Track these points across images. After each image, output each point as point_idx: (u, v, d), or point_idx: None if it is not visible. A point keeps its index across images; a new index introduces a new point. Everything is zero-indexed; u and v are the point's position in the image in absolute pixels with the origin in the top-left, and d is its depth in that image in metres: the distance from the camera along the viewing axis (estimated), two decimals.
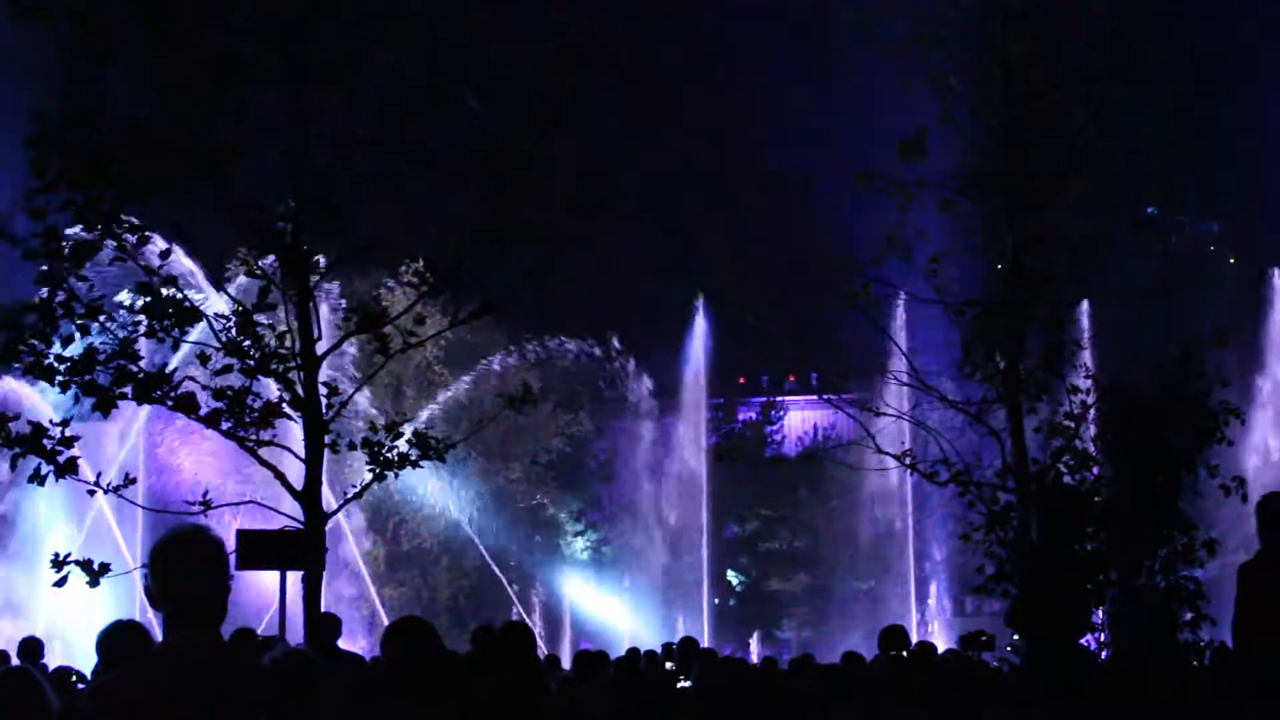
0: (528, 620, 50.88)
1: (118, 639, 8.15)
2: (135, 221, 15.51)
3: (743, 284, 50.76)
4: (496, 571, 52.44)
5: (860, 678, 14.72)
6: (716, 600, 58.76)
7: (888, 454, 21.01)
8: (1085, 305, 26.31)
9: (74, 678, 14.67)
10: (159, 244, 16.50)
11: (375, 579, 51.91)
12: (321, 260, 16.53)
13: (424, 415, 47.64)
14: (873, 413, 21.06)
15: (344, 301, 24.42)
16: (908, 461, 21.66)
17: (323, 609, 15.73)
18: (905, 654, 15.99)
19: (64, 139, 15.03)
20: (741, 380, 67.77)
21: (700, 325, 56.72)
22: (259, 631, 18.19)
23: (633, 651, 22.12)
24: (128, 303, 15.91)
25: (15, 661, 16.17)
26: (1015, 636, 16.07)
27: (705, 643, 41.67)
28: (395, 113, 16.38)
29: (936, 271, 19.74)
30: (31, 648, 15.91)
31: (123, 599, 35.10)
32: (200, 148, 15.36)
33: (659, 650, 23.23)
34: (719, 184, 59.42)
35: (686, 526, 56.93)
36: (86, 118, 15.12)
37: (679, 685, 16.55)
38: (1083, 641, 12.06)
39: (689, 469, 56.86)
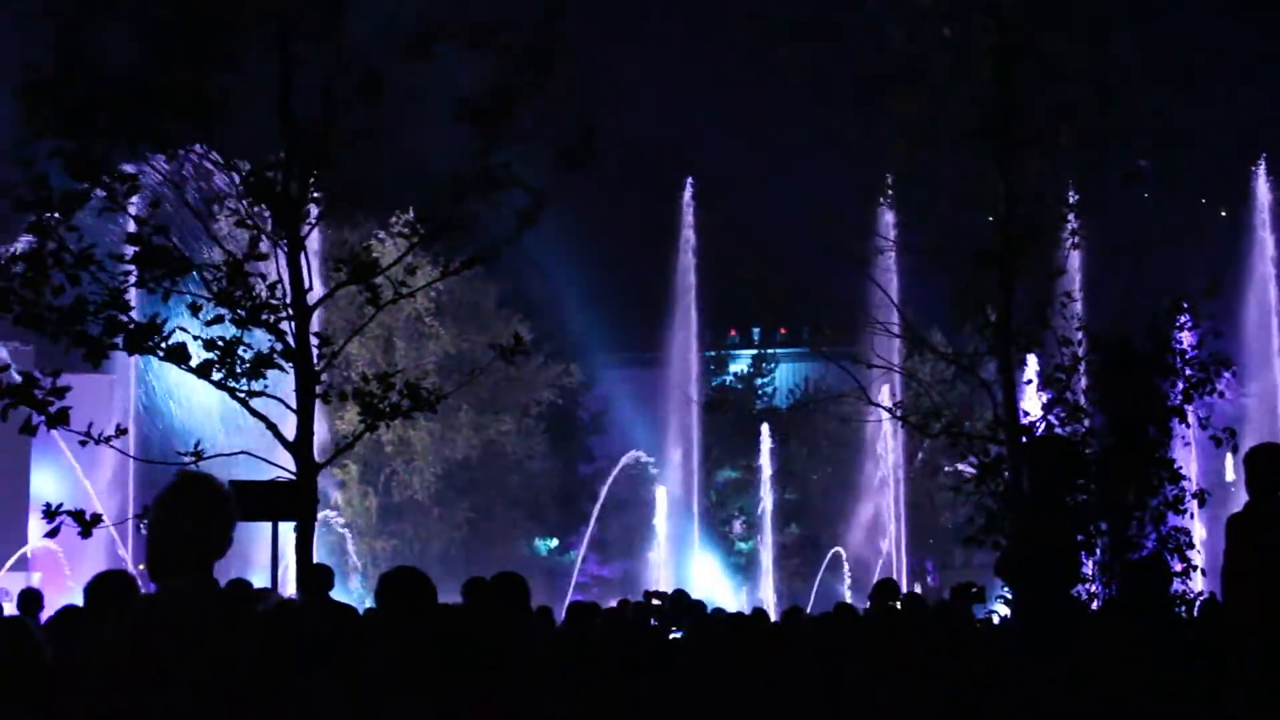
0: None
1: (105, 589, 8.16)
2: (126, 170, 15.47)
3: (733, 235, 50.73)
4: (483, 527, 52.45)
5: (854, 628, 14.77)
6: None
7: (879, 405, 21.04)
8: (1076, 257, 26.31)
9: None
10: (149, 194, 16.45)
11: (367, 531, 52.04)
12: (312, 210, 16.49)
13: (415, 366, 47.62)
14: (864, 365, 21.07)
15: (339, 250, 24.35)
16: (899, 414, 21.70)
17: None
18: (897, 605, 16.05)
19: (54, 90, 14.98)
20: (733, 332, 67.81)
21: (690, 277, 56.66)
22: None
23: (623, 603, 22.17)
24: (118, 253, 15.86)
25: (13, 612, 16.19)
26: (1005, 588, 16.14)
27: (695, 594, 41.81)
28: (383, 61, 16.34)
29: (927, 222, 19.73)
30: (31, 599, 15.91)
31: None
32: (189, 97, 15.32)
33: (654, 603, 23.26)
34: (708, 134, 59.14)
35: (677, 479, 57.02)
36: (76, 67, 15.07)
37: (670, 636, 16.60)
38: (1073, 593, 12.10)
39: (680, 421, 56.92)
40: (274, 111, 16.10)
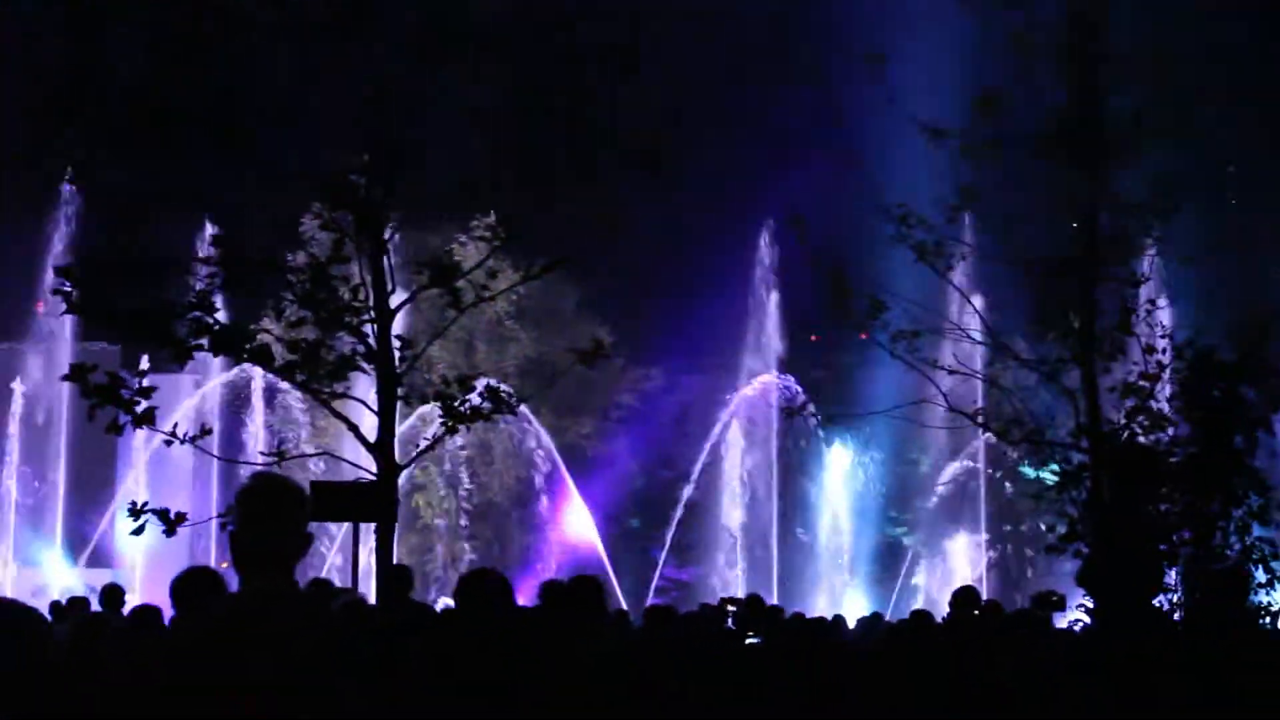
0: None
1: (191, 586, 8.27)
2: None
3: (813, 239, 50.56)
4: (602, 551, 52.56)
5: (930, 637, 14.70)
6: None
7: (961, 412, 20.93)
8: (1161, 264, 26.05)
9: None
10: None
11: (447, 532, 52.29)
12: (394, 215, 16.63)
13: (495, 369, 47.81)
14: (945, 371, 20.93)
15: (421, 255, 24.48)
16: (980, 421, 21.58)
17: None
18: (976, 613, 15.95)
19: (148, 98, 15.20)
20: (814, 338, 67.51)
21: (770, 279, 56.51)
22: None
23: (703, 607, 22.17)
24: (204, 256, 16.06)
25: (96, 607, 16.43)
26: (1086, 596, 16.01)
27: (773, 599, 41.71)
28: (461, 64, 16.45)
29: (1010, 229, 19.61)
30: (113, 595, 16.13)
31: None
32: (210, 105, 15.46)
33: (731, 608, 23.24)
34: (787, 135, 58.97)
35: (756, 483, 56.88)
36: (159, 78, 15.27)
37: (748, 642, 16.59)
38: (1155, 603, 11.99)
39: (759, 425, 56.77)
40: (357, 117, 16.25)
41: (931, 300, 22.62)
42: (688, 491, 56.84)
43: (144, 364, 15.25)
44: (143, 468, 45.11)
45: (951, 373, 20.79)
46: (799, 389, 60.71)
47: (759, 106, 59.07)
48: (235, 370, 44.45)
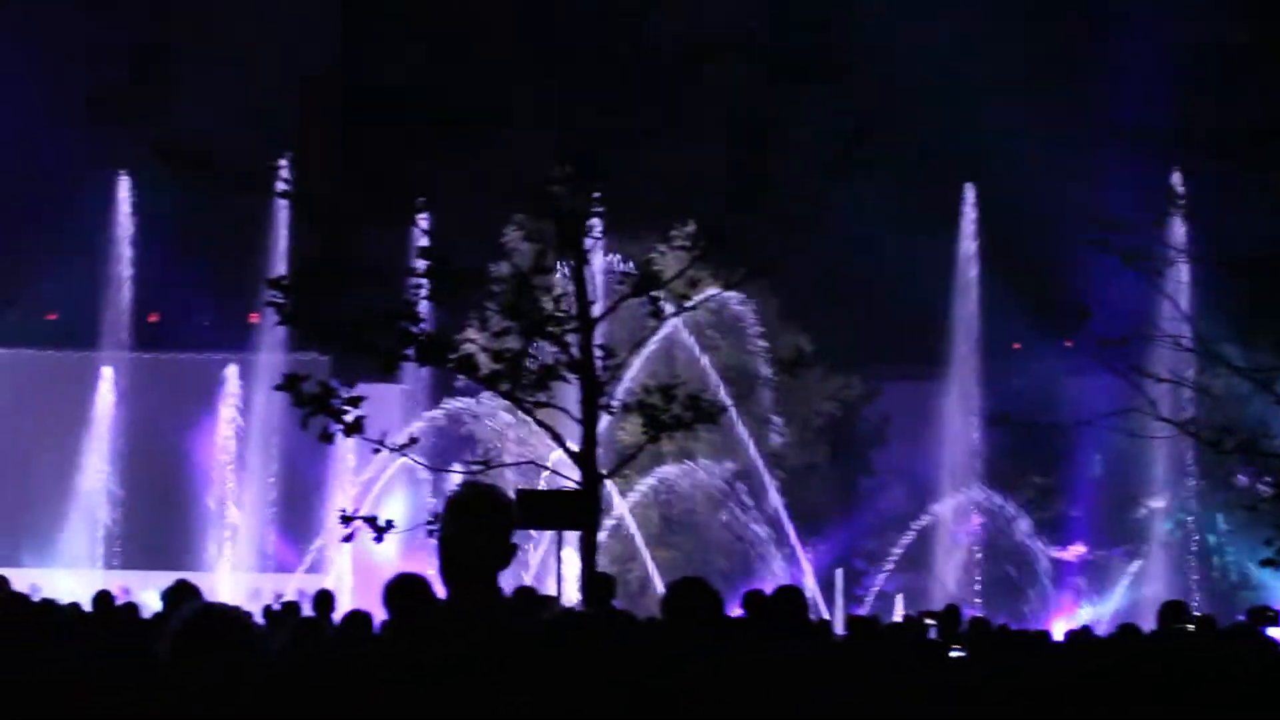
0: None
1: (401, 592, 8.39)
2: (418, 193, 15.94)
3: (1017, 244, 49.77)
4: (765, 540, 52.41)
5: (1139, 650, 14.38)
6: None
7: (1169, 421, 20.46)
8: None
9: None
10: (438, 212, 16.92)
11: (648, 541, 52.45)
12: (595, 224, 16.75)
13: (706, 376, 47.83)
14: (1153, 379, 20.48)
15: (623, 264, 24.65)
16: (1191, 429, 21.07)
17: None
18: (1189, 628, 15.57)
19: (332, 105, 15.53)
20: (1016, 346, 66.52)
21: (972, 287, 55.76)
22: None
23: (908, 619, 21.96)
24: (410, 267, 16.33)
25: (308, 613, 16.77)
26: None
27: (978, 610, 41.12)
28: (661, 78, 16.52)
29: (1218, 232, 19.15)
30: (324, 600, 16.45)
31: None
32: (471, 110, 15.73)
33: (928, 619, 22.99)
34: (989, 139, 58.14)
35: (958, 492, 56.18)
36: (361, 88, 15.59)
37: (950, 654, 16.37)
38: None
39: (962, 434, 56.07)
40: (560, 129, 16.41)
41: (1140, 306, 22.18)
42: (890, 502, 56.35)
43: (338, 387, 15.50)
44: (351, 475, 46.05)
45: (1161, 381, 20.34)
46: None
47: (954, 110, 58.35)
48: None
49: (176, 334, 55.18)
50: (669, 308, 16.97)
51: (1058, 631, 25.02)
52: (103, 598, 16.94)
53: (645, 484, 53.64)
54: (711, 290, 20.71)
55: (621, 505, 51.46)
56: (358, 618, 11.36)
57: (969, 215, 55.53)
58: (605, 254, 36.96)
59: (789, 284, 50.91)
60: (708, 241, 17.30)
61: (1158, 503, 56.26)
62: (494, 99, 16.09)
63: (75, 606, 14.58)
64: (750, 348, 52.95)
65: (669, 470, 52.90)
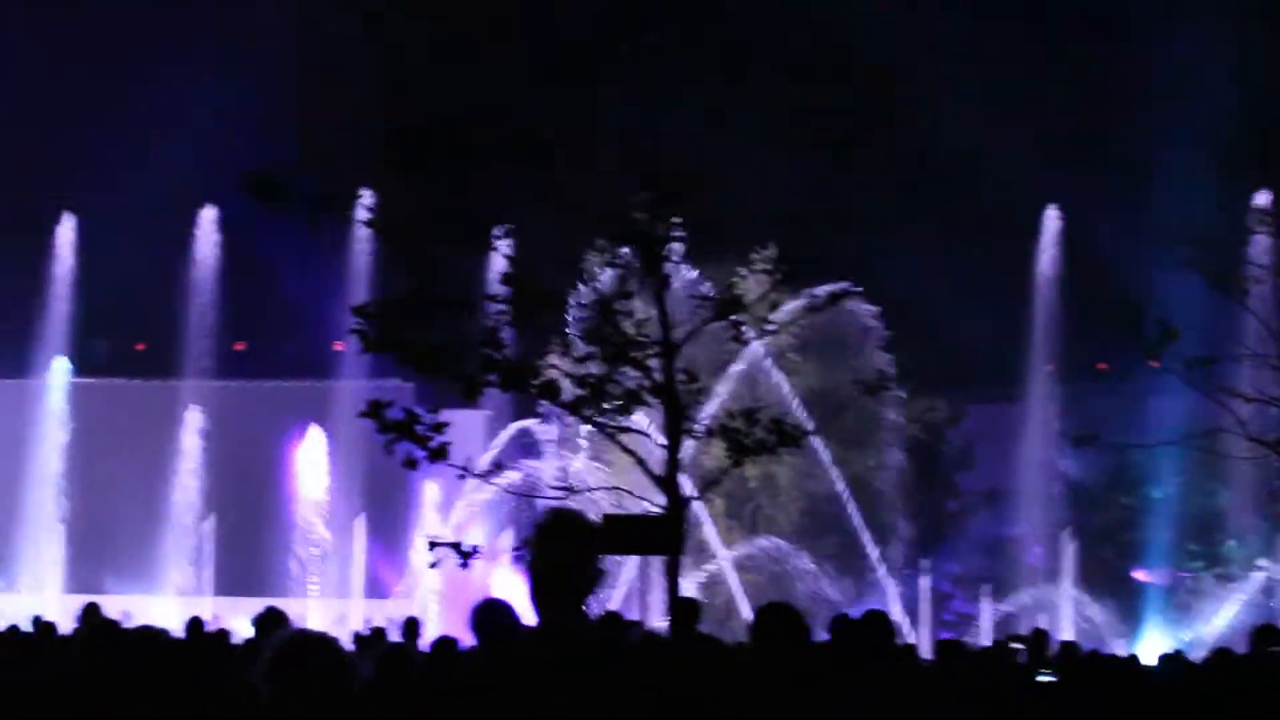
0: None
1: (488, 618, 8.43)
2: (500, 216, 16.05)
3: (1097, 264, 49.38)
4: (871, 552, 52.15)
5: (1237, 674, 14.18)
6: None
7: (1258, 440, 20.23)
8: None
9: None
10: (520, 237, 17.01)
11: (733, 565, 52.32)
12: (676, 249, 16.78)
13: (785, 401, 47.73)
14: (1241, 398, 20.26)
15: (704, 287, 24.69)
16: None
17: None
18: None
19: (417, 137, 15.65)
20: (1101, 366, 65.93)
21: (1052, 308, 55.34)
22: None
23: (998, 643, 21.80)
24: (492, 294, 16.43)
25: (395, 638, 16.85)
26: None
27: (1065, 634, 40.76)
28: (739, 104, 16.56)
29: None
30: (412, 626, 16.54)
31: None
32: (531, 140, 15.81)
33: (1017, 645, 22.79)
34: (1067, 160, 57.79)
35: (1039, 515, 55.70)
36: (445, 114, 15.71)
37: (1039, 679, 16.24)
38: None
39: (1046, 456, 55.61)
40: (640, 155, 16.46)
41: (1226, 325, 21.96)
42: (976, 524, 55.96)
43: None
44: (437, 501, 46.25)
45: (1249, 400, 20.12)
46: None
47: (1038, 132, 58.08)
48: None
49: (262, 362, 55.76)
50: (751, 331, 16.91)
51: (1149, 655, 24.76)
52: (194, 624, 17.11)
53: (728, 507, 53.56)
54: (793, 313, 20.67)
55: (709, 531, 51.41)
56: (445, 643, 11.42)
57: (1050, 235, 55.17)
58: (686, 278, 37.02)
59: (872, 306, 50.78)
60: (789, 265, 17.28)
61: (1245, 523, 55.57)
62: (575, 124, 16.17)
63: (167, 634, 14.73)
64: (833, 370, 52.78)
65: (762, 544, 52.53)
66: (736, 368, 47.50)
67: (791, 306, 19.86)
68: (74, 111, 58.56)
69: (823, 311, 20.37)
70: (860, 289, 47.25)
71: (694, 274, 39.41)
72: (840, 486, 54.07)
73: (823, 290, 17.75)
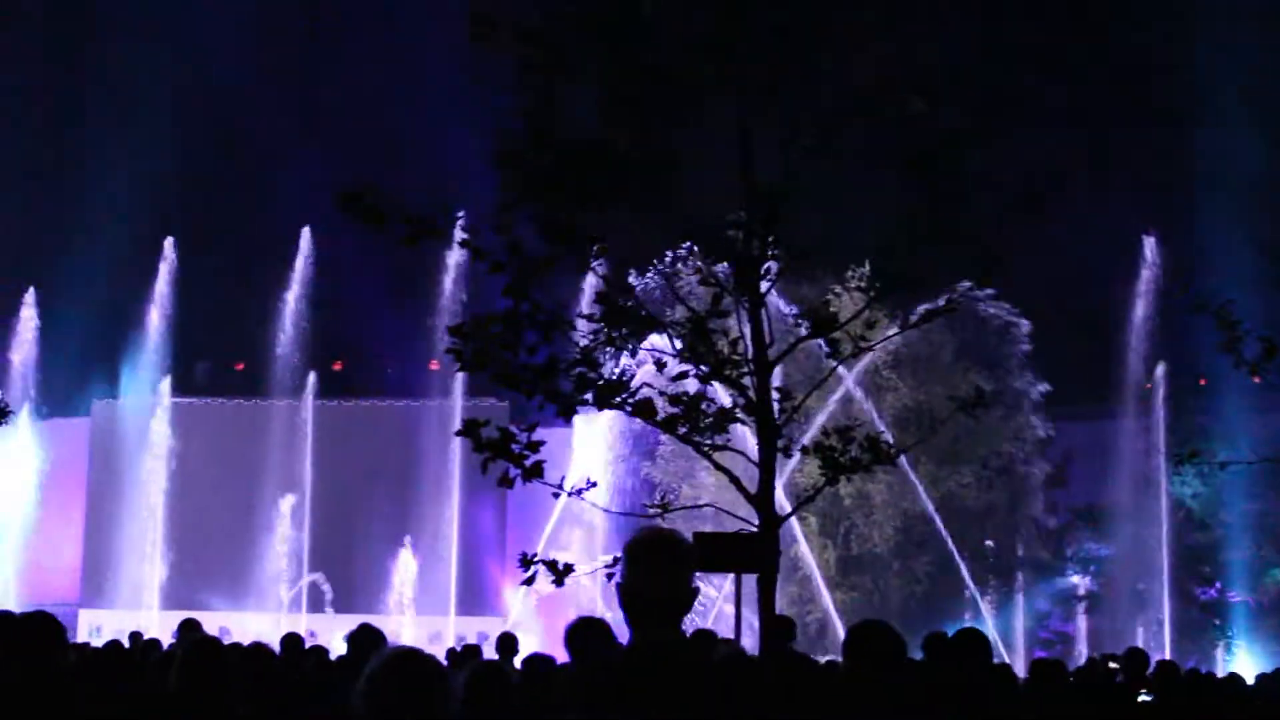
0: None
1: (583, 635, 8.48)
2: (593, 235, 16.12)
3: (1193, 281, 48.85)
4: (965, 574, 51.84)
5: None
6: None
7: None
8: None
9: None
10: (615, 256, 17.08)
11: (826, 583, 52.17)
12: (772, 267, 16.75)
13: (874, 419, 47.56)
14: None
15: (795, 307, 24.69)
16: None
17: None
18: None
19: (524, 157, 15.77)
20: (1202, 381, 65.10)
21: (1151, 319, 54.79)
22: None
23: (1091, 662, 21.58)
24: (587, 313, 16.49)
25: (490, 655, 16.94)
26: None
27: (1166, 654, 40.28)
28: (836, 119, 16.53)
29: None
30: (507, 643, 16.62)
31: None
32: (649, 160, 15.86)
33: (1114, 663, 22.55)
34: (1164, 176, 57.24)
35: (1140, 533, 55.07)
36: (544, 136, 15.81)
37: (1139, 699, 16.07)
38: None
39: (1146, 473, 55.02)
40: (733, 170, 16.46)
41: None
42: (1072, 542, 55.41)
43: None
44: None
45: None
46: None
47: (1131, 145, 57.60)
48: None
49: (359, 382, 56.29)
50: (846, 349, 16.86)
51: (1246, 674, 24.41)
52: (292, 641, 17.27)
53: (822, 525, 53.37)
54: (888, 331, 20.60)
55: (801, 548, 51.28)
56: (539, 660, 11.47)
57: (1148, 250, 54.66)
58: (781, 295, 37.00)
59: (969, 323, 50.49)
60: (884, 283, 17.20)
61: None
62: (671, 142, 16.22)
63: (265, 648, 14.88)
64: (929, 388, 52.53)
65: None
66: (831, 385, 47.31)
67: (886, 332, 19.77)
68: (183, 137, 59.35)
69: (919, 328, 20.23)
70: (996, 290, 47.26)
71: (789, 292, 39.48)
72: (934, 504, 53.77)
73: (921, 308, 17.60)
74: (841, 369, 38.08)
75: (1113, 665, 20.67)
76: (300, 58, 63.69)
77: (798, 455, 16.72)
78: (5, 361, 52.92)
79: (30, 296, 54.71)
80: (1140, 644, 37.78)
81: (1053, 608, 57.23)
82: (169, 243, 54.15)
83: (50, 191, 57.97)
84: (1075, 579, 57.18)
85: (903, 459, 20.36)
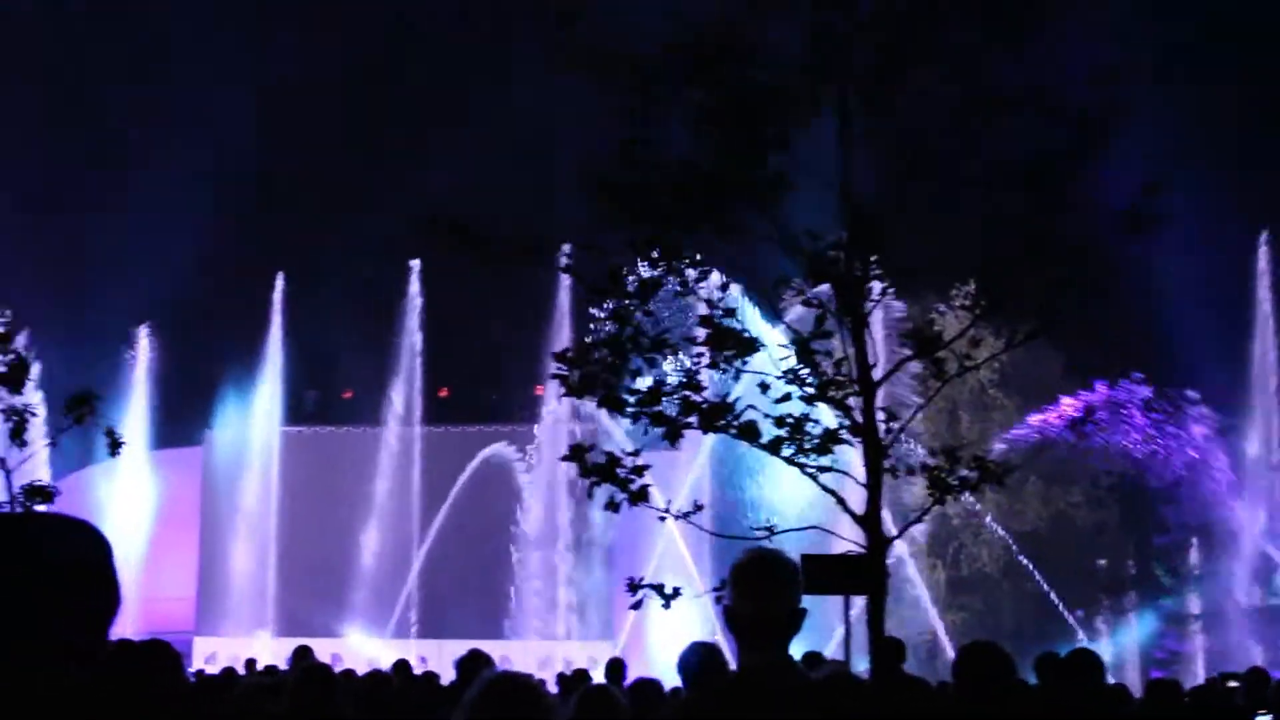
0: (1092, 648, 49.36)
1: (696, 659, 8.49)
2: (696, 257, 16.15)
3: None
4: (1056, 601, 51.30)
5: None
6: None
7: None
8: None
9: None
10: (718, 278, 17.10)
11: (936, 604, 51.78)
12: (875, 287, 16.71)
13: (983, 439, 47.18)
14: None
15: (901, 325, 24.58)
16: None
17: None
18: None
19: (617, 180, 15.84)
20: None
21: (1270, 334, 54.01)
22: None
23: (1210, 681, 21.26)
24: (691, 336, 16.53)
25: (599, 679, 16.98)
26: None
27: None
28: (937, 137, 16.48)
29: None
30: (615, 667, 16.66)
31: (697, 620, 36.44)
32: (749, 180, 15.88)
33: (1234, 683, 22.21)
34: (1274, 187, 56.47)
35: (1254, 548, 54.19)
36: (636, 158, 15.88)
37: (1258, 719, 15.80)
38: None
39: (1261, 488, 54.15)
40: (835, 191, 16.43)
41: None
42: (1186, 559, 54.67)
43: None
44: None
45: None
46: None
47: (1240, 148, 56.89)
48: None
49: (465, 408, 56.69)
50: (952, 368, 16.76)
51: None
52: (402, 666, 17.43)
53: (930, 545, 53.00)
54: (993, 350, 20.46)
55: (909, 569, 50.94)
56: (648, 685, 11.48)
57: (1264, 260, 53.89)
58: (885, 315, 36.85)
59: (1076, 340, 50.00)
60: (989, 301, 17.09)
61: None
62: (769, 163, 16.21)
63: (379, 674, 15.02)
64: (1036, 406, 52.03)
65: None
66: (937, 404, 47.01)
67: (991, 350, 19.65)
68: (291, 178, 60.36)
69: (1022, 347, 20.06)
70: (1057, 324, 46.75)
71: (893, 311, 39.30)
72: (1044, 524, 53.24)
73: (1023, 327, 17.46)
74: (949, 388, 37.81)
75: (1232, 685, 20.34)
76: (397, 100, 64.43)
77: (904, 475, 16.62)
78: (121, 393, 53.83)
79: (144, 329, 55.75)
80: (1260, 664, 37.16)
81: (1167, 627, 56.44)
82: (279, 276, 54.95)
83: (163, 228, 58.93)
84: (1189, 596, 56.37)
85: (1014, 478, 20.17)
